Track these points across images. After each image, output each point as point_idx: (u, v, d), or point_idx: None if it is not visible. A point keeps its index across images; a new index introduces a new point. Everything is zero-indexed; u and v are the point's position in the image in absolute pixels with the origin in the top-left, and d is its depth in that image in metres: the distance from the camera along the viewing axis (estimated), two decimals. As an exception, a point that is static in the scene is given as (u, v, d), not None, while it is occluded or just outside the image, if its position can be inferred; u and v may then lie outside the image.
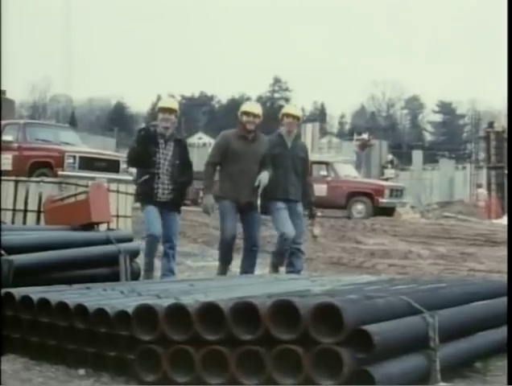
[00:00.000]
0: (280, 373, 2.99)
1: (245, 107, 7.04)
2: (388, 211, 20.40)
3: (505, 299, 4.34)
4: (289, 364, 2.98)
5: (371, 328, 2.97)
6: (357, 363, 2.95)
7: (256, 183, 6.75)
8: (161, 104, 6.94)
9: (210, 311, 3.18)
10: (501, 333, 4.21)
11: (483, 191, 28.40)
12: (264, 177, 6.82)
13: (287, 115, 7.21)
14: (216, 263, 9.80)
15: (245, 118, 6.85)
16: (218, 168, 7.08)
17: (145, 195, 6.62)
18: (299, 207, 7.20)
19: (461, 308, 3.83)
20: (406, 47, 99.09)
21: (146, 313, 3.35)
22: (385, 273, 10.02)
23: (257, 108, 7.06)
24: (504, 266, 10.39)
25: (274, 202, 7.00)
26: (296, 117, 7.24)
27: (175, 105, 6.89)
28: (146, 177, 6.56)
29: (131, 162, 6.92)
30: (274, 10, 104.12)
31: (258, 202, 7.10)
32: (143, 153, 6.54)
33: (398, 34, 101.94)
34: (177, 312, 3.26)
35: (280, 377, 2.99)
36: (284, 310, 3.05)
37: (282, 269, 7.28)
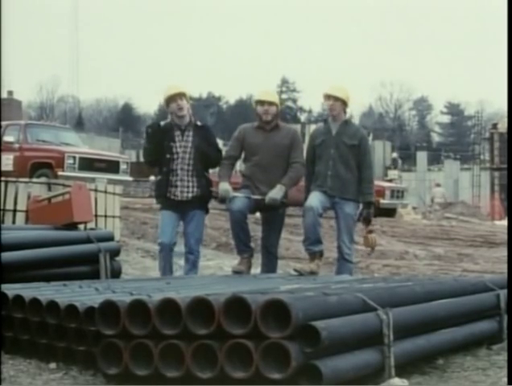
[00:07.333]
0: (232, 366, 3.11)
1: (258, 95, 6.38)
2: (389, 212, 20.45)
3: (469, 298, 4.47)
4: (240, 358, 3.11)
5: (318, 324, 3.08)
6: (305, 357, 3.07)
7: (266, 199, 6.03)
8: (168, 92, 6.04)
9: (168, 307, 3.31)
10: (464, 331, 4.33)
11: (440, 190, 28.04)
12: (274, 194, 6.05)
13: (327, 96, 6.24)
14: (208, 263, 9.97)
15: (259, 108, 6.18)
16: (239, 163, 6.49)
17: (159, 197, 6.13)
18: (348, 208, 6.14)
19: (420, 306, 3.93)
20: (415, 47, 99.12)
21: (109, 308, 3.48)
22: (378, 273, 10.12)
23: (271, 96, 6.34)
24: (498, 266, 10.48)
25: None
26: (338, 99, 6.18)
27: (183, 89, 6.08)
28: (159, 177, 6.06)
29: (146, 161, 6.32)
30: (282, 10, 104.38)
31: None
32: (156, 151, 5.97)
33: (407, 34, 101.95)
34: (138, 308, 3.39)
35: (232, 370, 3.11)
36: (237, 305, 3.17)
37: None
